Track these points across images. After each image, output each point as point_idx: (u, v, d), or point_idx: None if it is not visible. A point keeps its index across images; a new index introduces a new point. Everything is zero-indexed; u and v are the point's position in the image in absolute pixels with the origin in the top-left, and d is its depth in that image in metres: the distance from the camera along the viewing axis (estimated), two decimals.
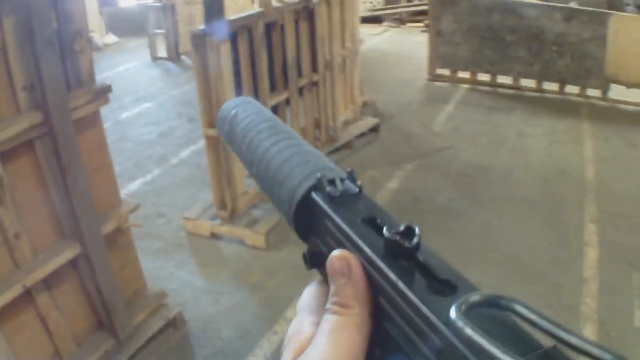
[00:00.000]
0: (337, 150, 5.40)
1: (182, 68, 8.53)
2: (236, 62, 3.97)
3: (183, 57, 8.88)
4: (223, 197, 4.11)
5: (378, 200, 0.63)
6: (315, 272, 0.55)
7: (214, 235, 4.17)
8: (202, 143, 5.64)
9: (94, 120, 2.75)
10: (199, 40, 3.67)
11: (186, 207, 4.47)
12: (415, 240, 0.44)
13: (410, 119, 6.47)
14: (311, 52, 4.86)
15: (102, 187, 2.82)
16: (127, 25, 10.41)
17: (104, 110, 2.83)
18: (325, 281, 0.52)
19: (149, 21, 8.90)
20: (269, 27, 4.34)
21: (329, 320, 0.46)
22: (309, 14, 4.76)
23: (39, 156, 2.47)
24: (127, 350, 2.91)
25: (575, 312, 3.41)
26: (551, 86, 7.22)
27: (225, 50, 3.76)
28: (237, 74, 3.99)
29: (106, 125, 2.98)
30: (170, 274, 3.79)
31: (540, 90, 7.25)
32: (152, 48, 8.87)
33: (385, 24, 11.01)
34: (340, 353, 0.44)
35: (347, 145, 5.49)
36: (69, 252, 2.60)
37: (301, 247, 0.57)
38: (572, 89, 7.11)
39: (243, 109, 0.72)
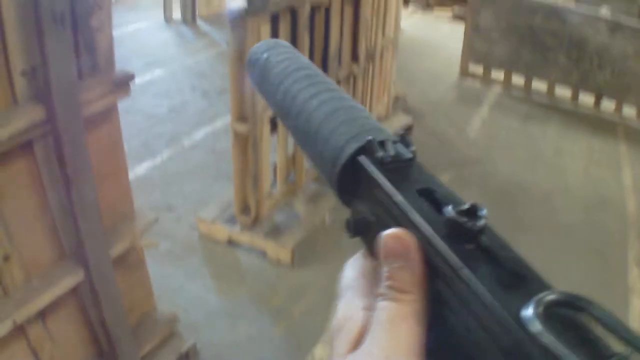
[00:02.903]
0: None
1: (197, 34, 7.95)
2: None
3: (199, 22, 8.29)
4: (246, 200, 3.60)
5: None
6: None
7: (231, 242, 3.67)
8: (218, 124, 5.22)
9: (110, 114, 2.20)
10: (238, 20, 3.15)
11: (199, 202, 3.98)
12: (482, 222, 0.41)
13: (443, 119, 6.01)
14: (352, 40, 4.37)
15: (113, 196, 2.30)
16: None
17: None
18: (370, 252, 0.50)
19: None
20: (312, 11, 3.82)
21: (385, 308, 0.43)
22: None
23: (38, 161, 1.92)
24: None
25: None
26: (587, 98, 6.82)
27: (265, 33, 3.26)
28: None
29: None
30: (180, 286, 3.29)
31: (575, 101, 6.84)
32: (167, 8, 8.24)
33: (411, 6, 10.43)
34: (402, 346, 0.41)
35: None
36: (70, 279, 2.09)
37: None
38: (608, 105, 6.73)
39: (276, 52, 0.67)
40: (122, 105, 2.24)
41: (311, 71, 0.64)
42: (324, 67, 4.03)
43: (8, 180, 1.87)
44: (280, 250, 3.52)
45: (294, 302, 3.26)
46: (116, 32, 2.18)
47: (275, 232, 3.66)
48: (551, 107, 6.73)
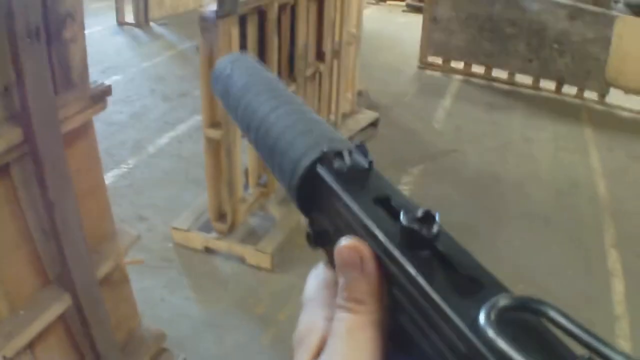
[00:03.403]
0: None
1: (151, 37, 7.80)
2: (242, 49, 3.38)
3: (152, 24, 8.13)
4: (221, 207, 3.50)
5: None
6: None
7: (208, 250, 3.56)
8: (181, 128, 5.11)
9: (86, 130, 2.09)
10: (209, 24, 3.05)
11: (170, 210, 3.87)
12: (435, 229, 0.41)
13: (407, 112, 5.98)
14: (317, 38, 4.30)
15: (93, 214, 2.17)
16: None
17: None
18: (331, 263, 0.48)
19: None
20: (279, 11, 3.73)
21: (343, 319, 0.43)
22: None
23: (16, 184, 1.80)
24: None
25: None
26: (548, 84, 6.88)
27: (236, 35, 3.17)
28: None
29: None
30: (161, 299, 3.18)
31: (537, 88, 6.89)
32: (119, 12, 8.06)
33: None
34: (361, 356, 0.41)
35: None
36: (57, 306, 1.97)
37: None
38: (569, 90, 6.80)
39: (239, 66, 0.68)
40: None
41: (272, 84, 0.63)
42: (291, 67, 3.96)
43: None
44: (259, 256, 3.43)
45: (278, 308, 3.17)
46: None
47: (252, 237, 3.58)
48: (514, 95, 6.76)
